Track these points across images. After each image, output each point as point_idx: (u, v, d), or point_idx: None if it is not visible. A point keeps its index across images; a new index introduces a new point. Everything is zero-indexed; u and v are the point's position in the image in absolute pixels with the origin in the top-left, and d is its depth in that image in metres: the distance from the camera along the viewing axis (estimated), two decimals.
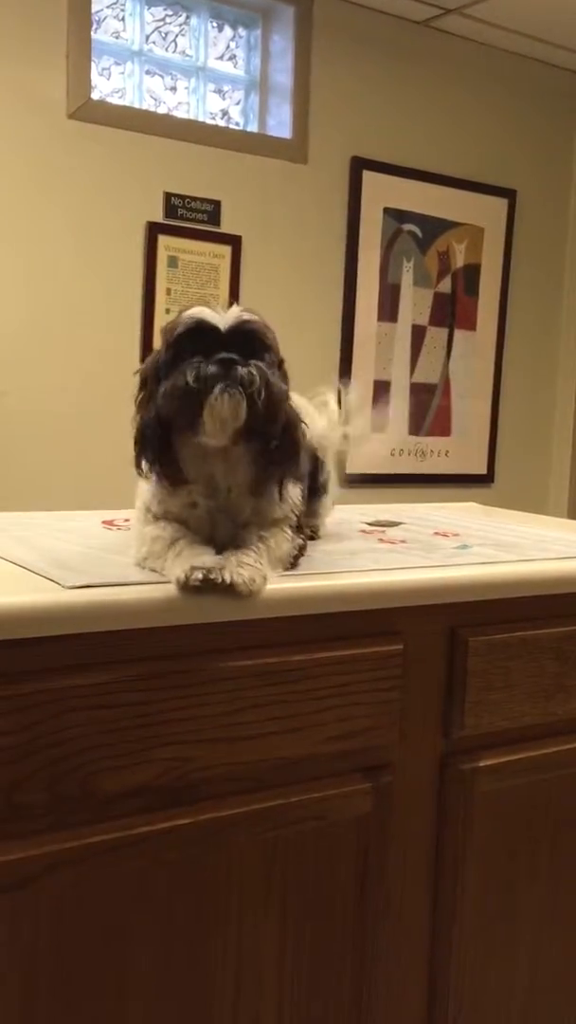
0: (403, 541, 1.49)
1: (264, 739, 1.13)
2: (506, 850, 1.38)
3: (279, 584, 1.14)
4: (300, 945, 1.21)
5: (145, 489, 1.21)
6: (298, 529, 1.25)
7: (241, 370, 1.10)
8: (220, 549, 1.15)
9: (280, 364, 1.18)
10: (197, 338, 1.11)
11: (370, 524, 1.66)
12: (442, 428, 4.13)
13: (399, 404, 4.00)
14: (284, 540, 1.20)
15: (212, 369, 1.09)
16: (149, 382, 1.16)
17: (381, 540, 1.49)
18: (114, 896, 1.07)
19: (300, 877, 1.19)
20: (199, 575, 1.06)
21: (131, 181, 3.34)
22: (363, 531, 1.58)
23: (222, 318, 1.12)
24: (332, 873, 1.22)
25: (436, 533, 1.59)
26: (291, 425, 1.17)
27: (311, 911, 1.21)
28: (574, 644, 1.38)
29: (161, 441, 1.14)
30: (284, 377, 1.18)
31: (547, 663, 1.36)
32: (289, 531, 1.21)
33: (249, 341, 1.13)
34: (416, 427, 4.06)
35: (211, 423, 1.10)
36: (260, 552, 1.14)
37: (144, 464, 1.16)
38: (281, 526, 1.21)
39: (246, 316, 1.14)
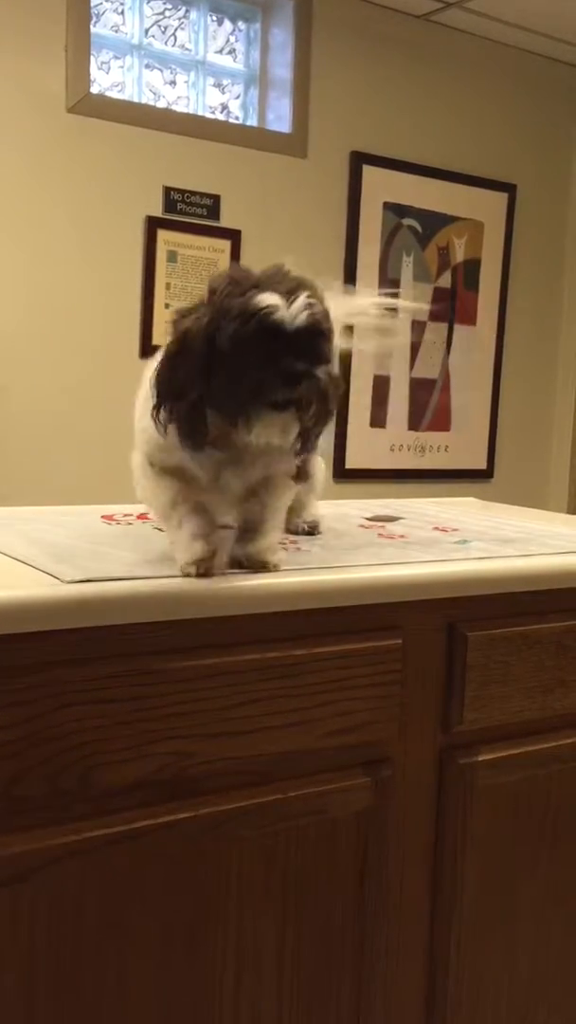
0: (402, 536, 1.49)
1: (264, 734, 1.13)
2: (505, 844, 1.38)
3: (278, 579, 1.14)
4: (300, 939, 1.21)
5: (144, 438, 1.17)
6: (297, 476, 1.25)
7: (306, 388, 1.05)
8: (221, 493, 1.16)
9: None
10: (265, 336, 1.04)
11: (369, 519, 1.66)
12: (442, 423, 4.13)
13: (399, 399, 4.00)
14: (286, 490, 1.22)
15: (282, 395, 1.04)
16: (198, 351, 1.06)
17: (380, 535, 1.49)
18: (113, 890, 1.07)
19: (300, 871, 1.20)
20: (192, 571, 1.09)
21: (130, 175, 3.34)
22: (362, 526, 1.58)
23: (288, 312, 1.04)
24: (332, 867, 1.22)
25: (435, 528, 1.59)
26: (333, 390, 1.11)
27: (311, 905, 1.21)
28: (573, 639, 1.38)
29: (201, 416, 1.08)
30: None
31: (546, 658, 1.36)
32: (290, 480, 1.22)
33: (314, 338, 1.07)
34: (416, 422, 4.06)
35: (260, 438, 1.07)
36: (274, 527, 1.18)
37: (173, 427, 1.10)
38: (285, 477, 1.20)
39: (313, 310, 1.06)
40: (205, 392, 1.06)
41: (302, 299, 1.05)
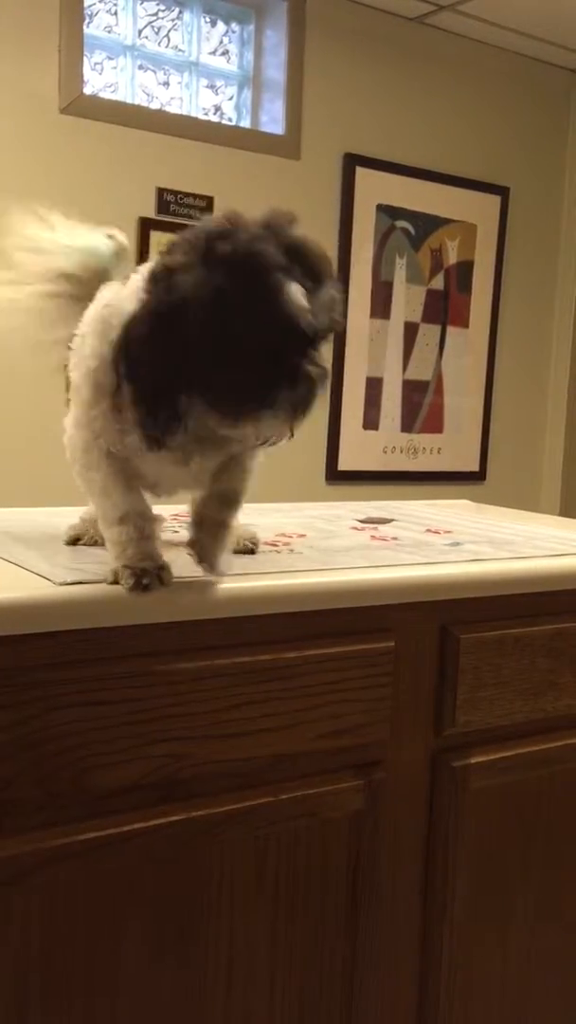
0: (395, 538, 1.49)
1: (256, 736, 1.13)
2: (497, 847, 1.38)
3: (271, 581, 1.14)
4: (292, 942, 1.21)
5: (97, 412, 1.00)
6: None
7: (311, 389, 0.89)
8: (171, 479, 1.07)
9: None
10: (283, 336, 0.85)
11: (362, 521, 1.66)
12: (434, 425, 4.14)
13: (391, 401, 4.00)
14: (259, 451, 1.05)
15: (289, 397, 0.87)
16: (194, 325, 0.85)
17: (373, 537, 1.49)
18: (106, 893, 1.07)
19: (292, 874, 1.20)
20: (130, 582, 1.03)
21: (123, 176, 3.33)
22: (355, 528, 1.58)
23: (314, 314, 0.83)
24: (324, 870, 1.22)
25: (428, 530, 1.59)
26: None
27: (302, 908, 1.21)
28: (565, 641, 1.39)
29: (175, 407, 0.88)
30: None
31: (538, 660, 1.36)
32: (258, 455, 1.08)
33: (330, 336, 0.90)
34: (408, 424, 4.06)
35: (253, 438, 0.94)
36: (227, 536, 1.09)
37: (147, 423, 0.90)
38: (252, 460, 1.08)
39: (339, 309, 0.89)
40: (188, 377, 0.87)
41: (332, 296, 0.88)
